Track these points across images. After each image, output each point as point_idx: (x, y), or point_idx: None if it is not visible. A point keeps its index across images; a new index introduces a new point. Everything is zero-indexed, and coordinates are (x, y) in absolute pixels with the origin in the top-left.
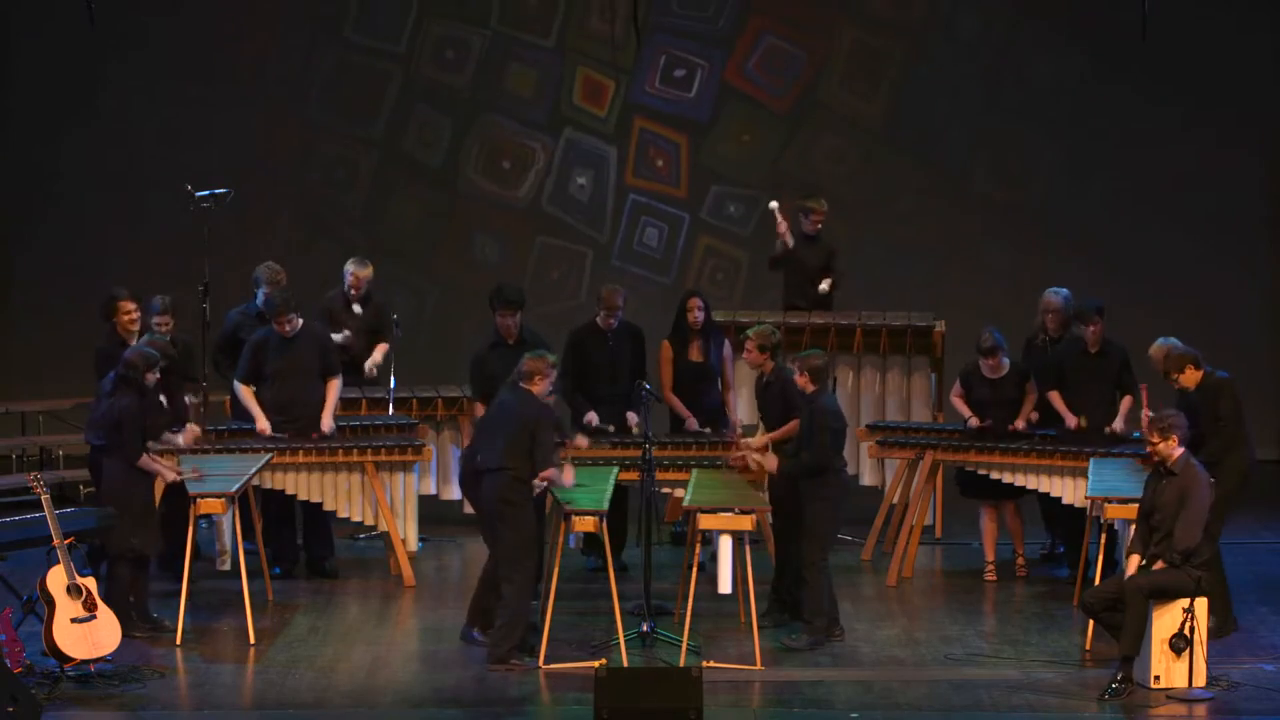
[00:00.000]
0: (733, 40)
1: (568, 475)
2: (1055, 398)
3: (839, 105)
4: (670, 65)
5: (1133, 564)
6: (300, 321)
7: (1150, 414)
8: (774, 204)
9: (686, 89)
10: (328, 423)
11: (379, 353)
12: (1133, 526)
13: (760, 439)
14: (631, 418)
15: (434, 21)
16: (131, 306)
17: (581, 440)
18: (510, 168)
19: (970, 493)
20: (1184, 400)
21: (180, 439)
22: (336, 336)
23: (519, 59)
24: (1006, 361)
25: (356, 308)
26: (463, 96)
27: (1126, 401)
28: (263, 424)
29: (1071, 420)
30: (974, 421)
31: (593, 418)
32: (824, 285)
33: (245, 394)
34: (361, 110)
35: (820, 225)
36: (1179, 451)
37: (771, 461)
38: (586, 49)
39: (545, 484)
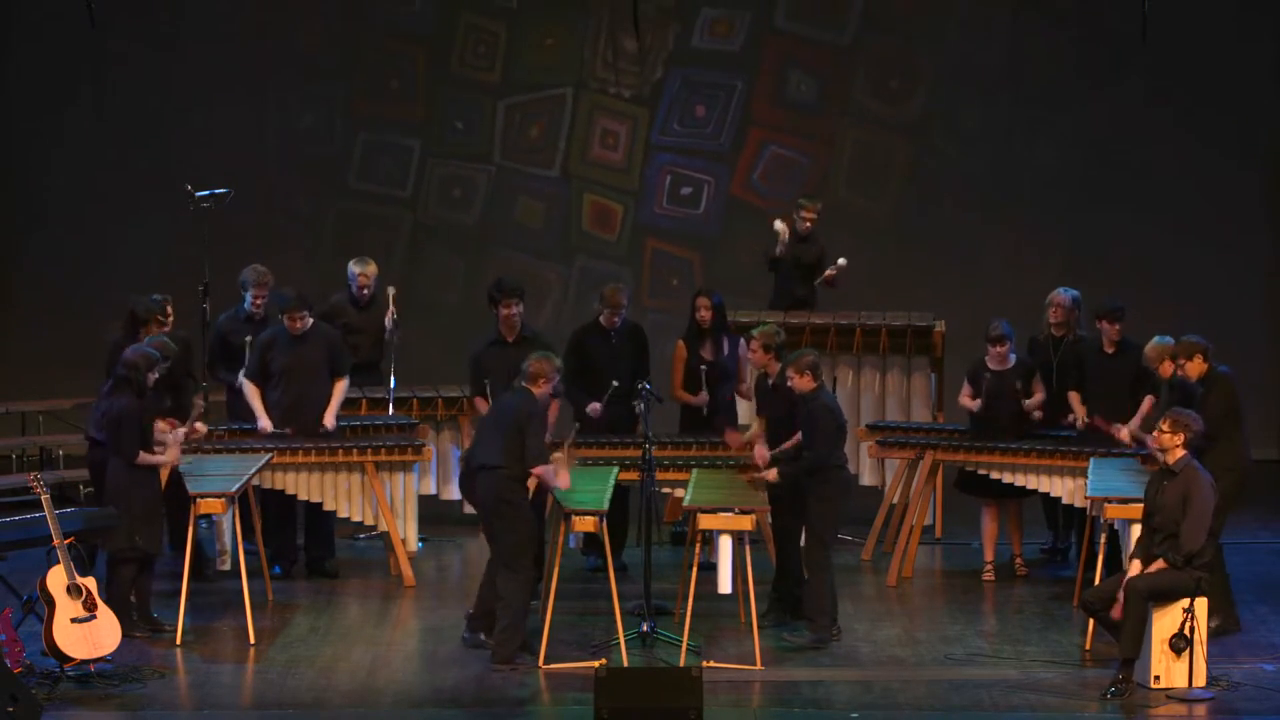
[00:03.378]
0: (736, 154)
1: (563, 478)
2: (1074, 398)
3: (847, 206)
4: (676, 184)
5: (1134, 569)
6: (311, 320)
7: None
8: (842, 261)
9: (695, 206)
10: (330, 420)
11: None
12: (1134, 528)
13: (757, 439)
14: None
15: (437, 163)
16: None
17: (595, 407)
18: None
19: (967, 489)
20: (1179, 392)
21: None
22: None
23: (525, 191)
24: (1013, 356)
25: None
26: (473, 234)
27: (1148, 401)
28: (264, 422)
29: (1081, 415)
30: (973, 404)
31: (596, 408)
32: (841, 263)
33: (251, 392)
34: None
35: (811, 225)
36: (1181, 452)
37: (771, 474)
38: (591, 175)
39: (539, 482)
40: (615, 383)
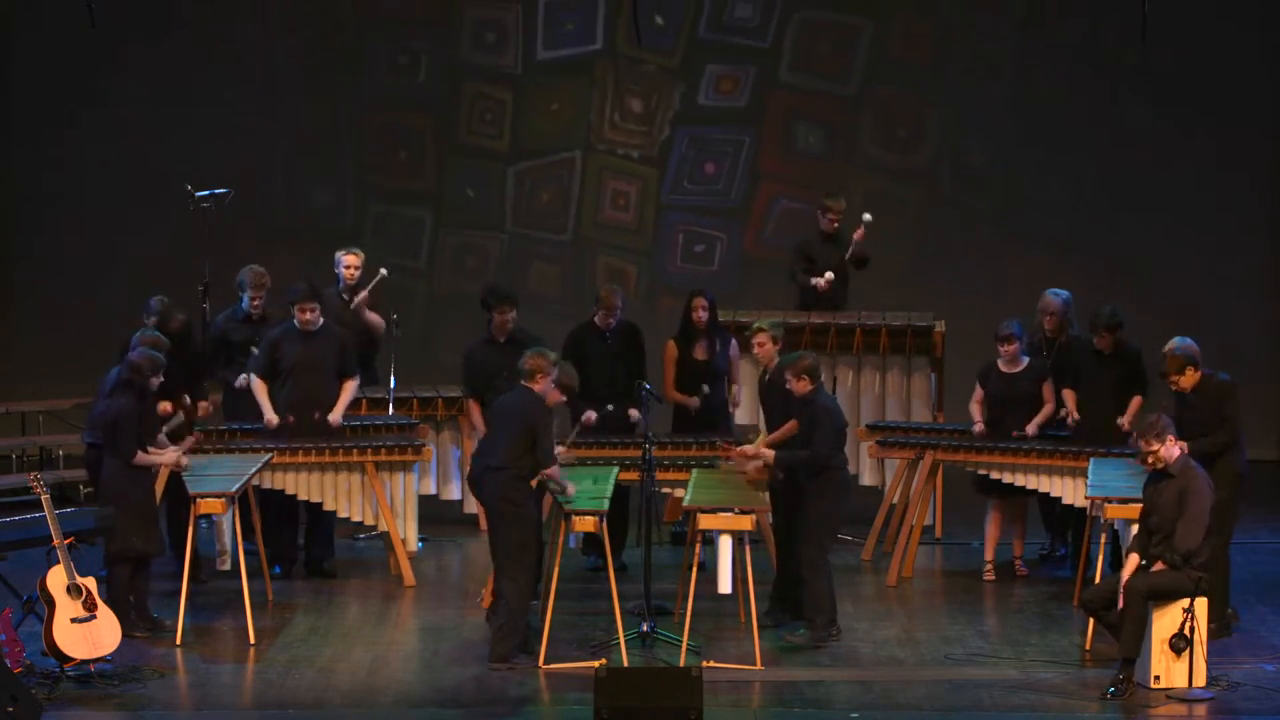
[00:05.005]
0: (747, 209)
1: (569, 487)
2: (1069, 395)
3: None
4: (690, 241)
5: (1131, 564)
6: (320, 317)
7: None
8: (867, 216)
9: (708, 264)
10: (337, 417)
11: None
12: (1134, 527)
13: (756, 447)
14: (634, 414)
15: (449, 231)
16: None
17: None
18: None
19: (984, 489)
20: (1180, 401)
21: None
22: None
23: (539, 257)
24: (1025, 358)
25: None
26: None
27: (1135, 401)
28: (270, 416)
29: (1073, 412)
30: (978, 428)
31: (590, 416)
32: (866, 220)
33: (259, 388)
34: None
35: (838, 224)
36: (1177, 452)
37: (768, 453)
38: (604, 237)
39: (547, 480)
40: (648, 385)
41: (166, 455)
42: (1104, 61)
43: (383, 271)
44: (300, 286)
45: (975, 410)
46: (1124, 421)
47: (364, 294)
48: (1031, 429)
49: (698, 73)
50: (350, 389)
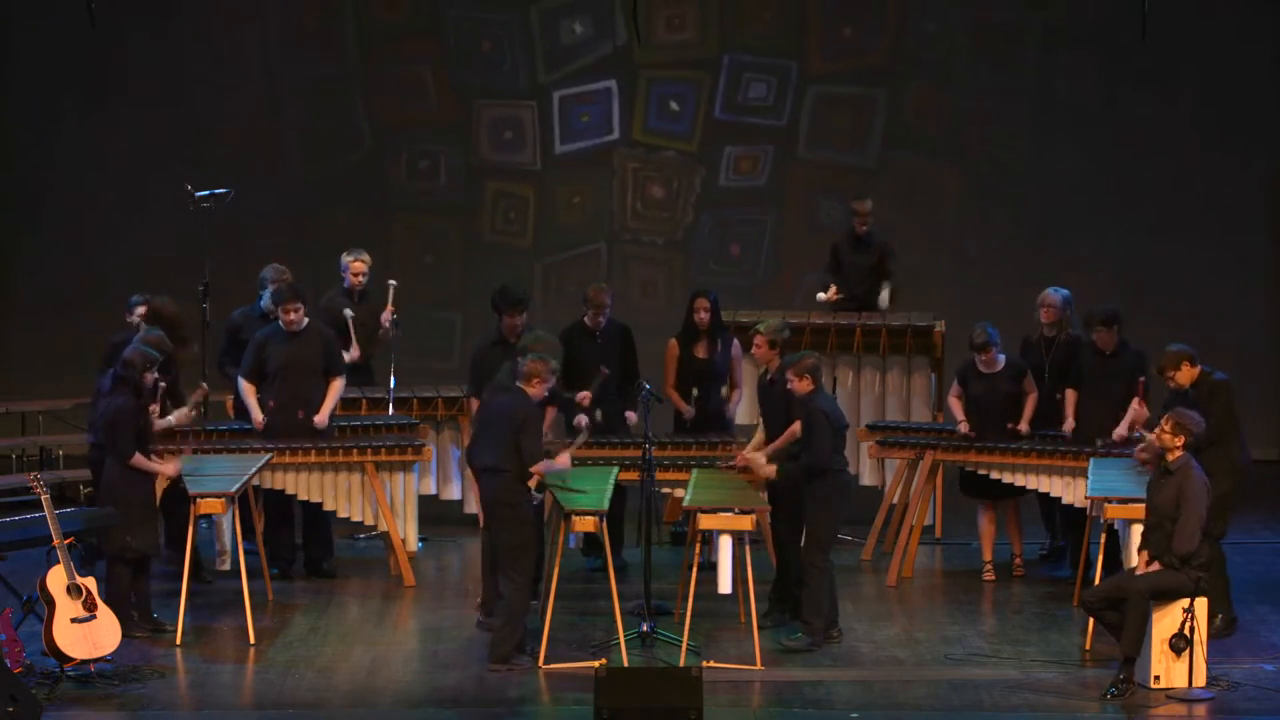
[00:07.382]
0: (776, 287)
1: (562, 459)
2: (1070, 396)
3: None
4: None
5: (1143, 560)
6: (305, 317)
7: (1145, 412)
8: (822, 295)
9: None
10: (323, 419)
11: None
12: (1134, 528)
13: (760, 449)
14: (631, 417)
15: (480, 332)
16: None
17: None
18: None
19: (970, 492)
20: (1179, 399)
21: (171, 418)
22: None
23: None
24: (1002, 357)
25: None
26: None
27: (1133, 406)
28: (258, 417)
29: (1070, 417)
30: (963, 427)
31: (581, 420)
32: (884, 298)
33: (247, 391)
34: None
35: (866, 226)
36: (1180, 452)
37: (770, 469)
38: (634, 326)
39: (542, 482)
40: (605, 369)
41: (167, 466)
42: (1116, 111)
43: (392, 282)
44: (282, 288)
45: (955, 407)
46: (1120, 432)
47: (389, 310)
48: (1024, 426)
49: (717, 155)
50: (337, 388)
